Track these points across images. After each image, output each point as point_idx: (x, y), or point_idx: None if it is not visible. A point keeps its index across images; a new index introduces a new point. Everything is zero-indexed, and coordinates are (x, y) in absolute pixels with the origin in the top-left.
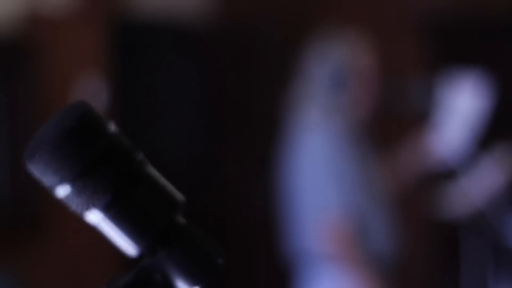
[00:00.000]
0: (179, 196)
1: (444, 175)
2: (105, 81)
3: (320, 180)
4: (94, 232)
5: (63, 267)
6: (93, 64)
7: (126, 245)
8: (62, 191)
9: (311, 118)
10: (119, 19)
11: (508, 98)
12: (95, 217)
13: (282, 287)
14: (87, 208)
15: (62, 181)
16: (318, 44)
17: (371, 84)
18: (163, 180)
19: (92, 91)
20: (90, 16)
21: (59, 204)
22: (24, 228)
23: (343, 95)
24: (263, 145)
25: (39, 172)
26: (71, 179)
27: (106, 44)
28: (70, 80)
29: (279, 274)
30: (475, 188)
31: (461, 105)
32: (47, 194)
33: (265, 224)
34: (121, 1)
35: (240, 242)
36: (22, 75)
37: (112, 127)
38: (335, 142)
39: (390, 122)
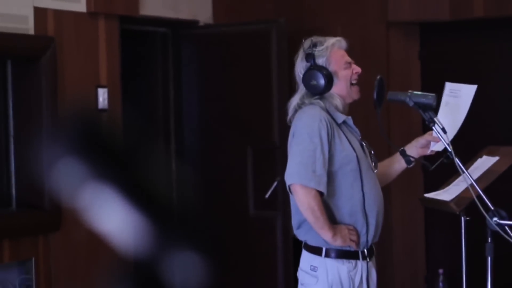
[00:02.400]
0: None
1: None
2: (116, 77)
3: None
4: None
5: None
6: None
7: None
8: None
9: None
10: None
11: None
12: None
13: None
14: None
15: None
16: (306, 43)
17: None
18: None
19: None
20: (102, 15)
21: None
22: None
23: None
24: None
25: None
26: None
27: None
28: (81, 78)
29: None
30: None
31: (453, 99)
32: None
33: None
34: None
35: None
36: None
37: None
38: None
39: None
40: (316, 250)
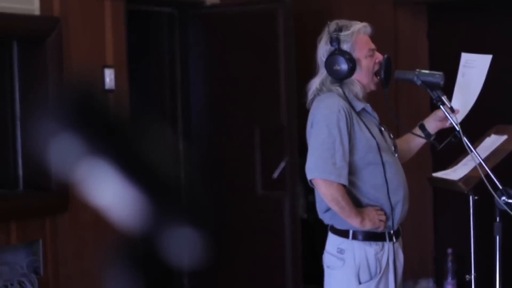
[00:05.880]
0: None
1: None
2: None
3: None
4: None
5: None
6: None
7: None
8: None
9: (316, 87)
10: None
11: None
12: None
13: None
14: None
15: None
16: (326, 27)
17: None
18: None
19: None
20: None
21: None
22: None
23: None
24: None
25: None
26: None
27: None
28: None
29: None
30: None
31: (467, 77)
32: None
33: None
34: None
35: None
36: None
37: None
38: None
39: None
40: (343, 233)
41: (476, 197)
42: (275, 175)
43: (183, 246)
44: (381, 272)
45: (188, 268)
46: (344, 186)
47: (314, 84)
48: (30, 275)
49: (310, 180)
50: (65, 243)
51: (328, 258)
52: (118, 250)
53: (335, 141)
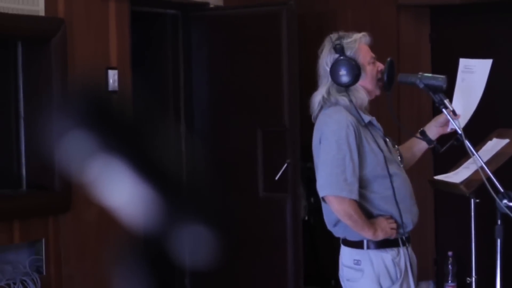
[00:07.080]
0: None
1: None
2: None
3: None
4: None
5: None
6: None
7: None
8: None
9: (320, 98)
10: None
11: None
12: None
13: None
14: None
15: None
16: (329, 37)
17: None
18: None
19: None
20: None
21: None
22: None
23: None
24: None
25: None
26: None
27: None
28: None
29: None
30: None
31: (468, 81)
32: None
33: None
34: None
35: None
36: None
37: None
38: (345, 120)
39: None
40: (357, 244)
41: (477, 200)
42: (277, 177)
43: (185, 246)
44: (402, 276)
45: (190, 268)
46: (355, 200)
47: (320, 94)
48: (33, 274)
49: (322, 197)
50: (68, 243)
51: (347, 272)
52: (120, 250)
53: (345, 157)
